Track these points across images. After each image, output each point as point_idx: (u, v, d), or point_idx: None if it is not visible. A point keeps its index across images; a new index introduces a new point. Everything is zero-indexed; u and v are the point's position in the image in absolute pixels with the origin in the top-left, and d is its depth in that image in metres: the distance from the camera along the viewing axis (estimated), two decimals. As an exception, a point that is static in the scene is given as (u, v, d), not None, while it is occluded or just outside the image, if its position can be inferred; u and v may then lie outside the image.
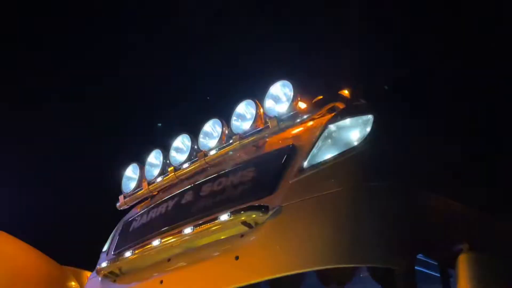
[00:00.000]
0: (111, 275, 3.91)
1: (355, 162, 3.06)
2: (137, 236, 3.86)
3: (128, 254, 3.70)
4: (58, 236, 7.65)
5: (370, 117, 3.22)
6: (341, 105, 3.42)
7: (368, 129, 3.18)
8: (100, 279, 4.09)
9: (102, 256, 4.36)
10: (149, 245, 3.55)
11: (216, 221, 3.18)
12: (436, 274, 3.02)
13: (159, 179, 4.06)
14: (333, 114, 3.38)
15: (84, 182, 8.08)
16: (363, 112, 3.28)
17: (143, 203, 4.32)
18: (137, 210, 4.29)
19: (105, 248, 4.43)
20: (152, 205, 4.03)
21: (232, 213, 3.13)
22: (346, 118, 3.28)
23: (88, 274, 7.52)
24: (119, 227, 4.38)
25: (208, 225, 3.23)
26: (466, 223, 3.09)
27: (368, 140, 3.12)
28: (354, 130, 3.22)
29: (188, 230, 3.32)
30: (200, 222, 3.30)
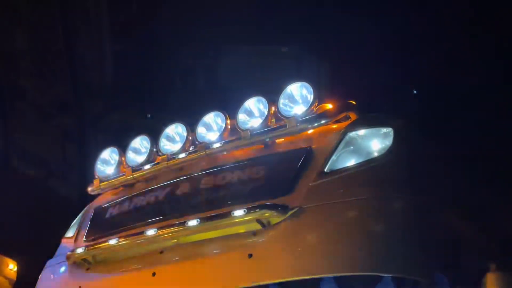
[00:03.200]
0: (84, 263, 3.65)
1: (380, 172, 3.06)
2: (122, 224, 3.63)
3: (113, 242, 3.46)
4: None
5: (390, 129, 3.25)
6: (359, 114, 3.42)
7: (388, 141, 3.20)
8: (66, 266, 3.80)
9: (67, 242, 4.06)
10: (142, 235, 3.34)
11: (228, 217, 3.06)
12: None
13: (147, 166, 3.85)
14: (351, 121, 3.37)
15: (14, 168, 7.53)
16: (383, 124, 3.30)
17: (117, 190, 4.09)
18: (113, 197, 4.03)
19: (69, 234, 4.12)
20: (137, 193, 3.81)
21: (248, 209, 3.02)
22: (366, 128, 3.28)
23: (8, 261, 7.06)
24: (88, 212, 4.10)
25: (219, 219, 3.10)
26: (492, 241, 3.17)
27: (390, 152, 3.14)
28: (374, 141, 3.23)
29: (193, 223, 3.16)
30: (209, 215, 3.16)
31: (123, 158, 4.02)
